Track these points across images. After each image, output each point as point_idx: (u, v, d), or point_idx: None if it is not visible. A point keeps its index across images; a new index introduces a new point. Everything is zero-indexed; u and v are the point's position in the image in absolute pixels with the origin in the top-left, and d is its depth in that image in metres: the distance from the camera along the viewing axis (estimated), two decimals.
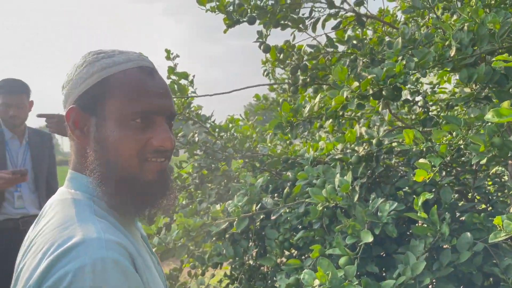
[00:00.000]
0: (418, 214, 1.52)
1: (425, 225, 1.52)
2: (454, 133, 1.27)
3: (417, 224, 1.78)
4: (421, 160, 1.38)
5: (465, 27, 1.48)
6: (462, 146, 1.40)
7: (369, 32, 2.63)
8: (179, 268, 2.22)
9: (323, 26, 2.04)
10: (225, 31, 1.69)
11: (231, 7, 1.71)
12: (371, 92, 1.38)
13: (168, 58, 2.43)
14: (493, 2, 1.74)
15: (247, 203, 1.69)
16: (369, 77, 1.35)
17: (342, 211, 1.79)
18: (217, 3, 1.64)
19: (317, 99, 1.59)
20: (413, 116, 2.18)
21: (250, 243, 2.16)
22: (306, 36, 2.03)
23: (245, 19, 1.67)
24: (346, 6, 1.96)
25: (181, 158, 2.63)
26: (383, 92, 1.36)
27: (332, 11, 1.97)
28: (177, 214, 2.05)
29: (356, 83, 1.36)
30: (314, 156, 2.21)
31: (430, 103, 2.64)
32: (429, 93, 2.71)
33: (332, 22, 2.03)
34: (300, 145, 3.43)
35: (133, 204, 0.81)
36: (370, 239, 1.44)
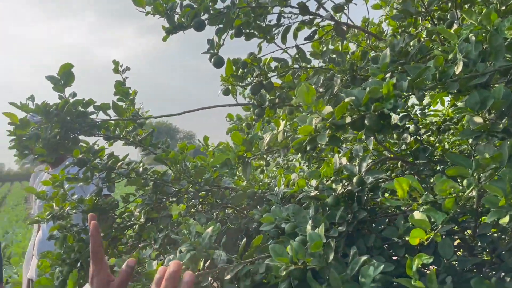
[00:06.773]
0: (413, 283, 1.14)
1: None
2: (464, 182, 0.90)
3: None
4: (417, 215, 1.01)
5: (472, 37, 1.13)
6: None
7: (351, 46, 2.28)
8: None
9: (295, 36, 1.68)
10: (164, 39, 1.32)
11: (177, 8, 1.34)
12: (348, 120, 1.01)
13: (116, 71, 2.04)
14: (503, 8, 1.41)
15: (192, 261, 1.29)
16: (346, 100, 0.98)
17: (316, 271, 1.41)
18: (154, 2, 1.26)
19: (281, 126, 1.22)
20: (403, 146, 1.82)
21: None
22: (274, 48, 1.66)
23: (191, 24, 1.30)
24: (322, 12, 1.60)
25: (129, 190, 2.22)
26: (366, 121, 0.99)
27: (306, 18, 1.61)
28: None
29: (328, 108, 0.99)
30: (284, 192, 1.83)
31: (421, 128, 2.28)
32: (419, 116, 2.35)
33: (306, 32, 1.68)
34: (275, 173, 3.04)
35: None
36: None
